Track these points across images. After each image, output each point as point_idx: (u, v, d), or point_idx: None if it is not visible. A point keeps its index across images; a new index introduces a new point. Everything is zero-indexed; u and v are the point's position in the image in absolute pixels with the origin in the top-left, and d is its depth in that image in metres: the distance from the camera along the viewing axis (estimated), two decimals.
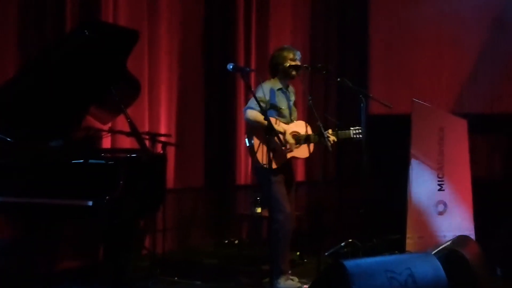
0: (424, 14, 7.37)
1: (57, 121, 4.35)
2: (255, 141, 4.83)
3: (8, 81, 4.33)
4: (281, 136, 4.79)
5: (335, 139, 4.97)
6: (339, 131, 5.00)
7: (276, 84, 4.99)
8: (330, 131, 4.97)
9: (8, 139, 4.18)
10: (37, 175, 4.04)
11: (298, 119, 5.15)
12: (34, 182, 4.02)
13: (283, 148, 4.82)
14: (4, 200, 4.03)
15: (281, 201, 4.83)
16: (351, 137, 5.03)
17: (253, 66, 6.91)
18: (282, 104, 4.97)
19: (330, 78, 5.28)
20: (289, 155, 4.94)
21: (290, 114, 5.04)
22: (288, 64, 4.93)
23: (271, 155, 4.48)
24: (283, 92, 5.01)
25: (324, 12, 7.74)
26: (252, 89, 4.72)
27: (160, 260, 5.63)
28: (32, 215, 4.21)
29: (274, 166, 4.76)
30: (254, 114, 4.67)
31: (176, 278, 5.22)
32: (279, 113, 4.96)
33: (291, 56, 4.98)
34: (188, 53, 6.55)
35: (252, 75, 6.54)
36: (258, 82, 4.87)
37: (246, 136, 4.98)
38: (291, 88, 5.14)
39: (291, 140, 4.87)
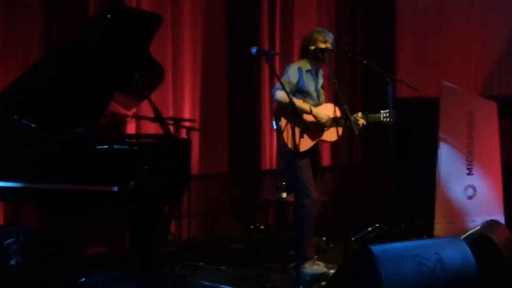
0: None
1: (82, 107, 4.34)
2: (282, 123, 4.78)
3: (32, 68, 4.33)
4: (308, 116, 4.74)
5: (365, 123, 4.91)
6: (369, 115, 4.94)
7: (305, 65, 4.94)
8: (359, 114, 4.92)
9: (33, 125, 4.19)
10: (63, 162, 4.04)
11: (325, 102, 5.10)
12: (59, 169, 4.03)
13: (318, 122, 4.77)
14: (29, 186, 4.05)
15: (307, 185, 4.80)
16: (381, 121, 4.95)
17: (277, 49, 6.85)
18: (310, 85, 4.92)
19: (357, 61, 5.20)
20: (318, 138, 4.89)
21: (318, 97, 4.99)
22: (313, 47, 4.87)
23: (298, 138, 4.43)
24: (311, 74, 4.95)
25: None
26: (277, 73, 4.66)
27: (186, 245, 5.64)
28: (58, 201, 4.21)
29: (301, 149, 4.74)
30: (283, 95, 4.61)
31: (202, 264, 5.22)
32: (307, 95, 4.90)
33: (321, 38, 4.91)
34: (211, 37, 6.52)
35: (277, 58, 6.48)
36: (283, 65, 4.81)
37: (273, 118, 4.93)
38: (320, 71, 5.08)
39: (323, 116, 4.81)
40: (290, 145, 4.65)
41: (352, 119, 4.71)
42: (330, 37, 4.96)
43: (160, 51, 5.67)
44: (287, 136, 4.73)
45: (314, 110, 4.84)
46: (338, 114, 4.91)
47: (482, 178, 5.73)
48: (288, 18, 7.03)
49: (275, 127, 4.90)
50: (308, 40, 4.96)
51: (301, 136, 4.75)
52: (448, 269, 3.66)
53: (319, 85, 5.04)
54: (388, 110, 4.90)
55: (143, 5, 5.80)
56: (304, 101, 4.86)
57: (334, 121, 4.88)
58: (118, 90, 4.58)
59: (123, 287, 4.68)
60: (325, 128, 4.89)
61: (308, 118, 4.77)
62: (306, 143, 4.82)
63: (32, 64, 4.33)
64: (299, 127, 4.51)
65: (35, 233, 4.74)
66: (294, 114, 4.31)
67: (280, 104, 4.79)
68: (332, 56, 5.20)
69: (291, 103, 4.24)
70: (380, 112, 4.94)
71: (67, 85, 4.34)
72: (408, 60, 7.52)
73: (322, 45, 4.89)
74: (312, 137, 4.86)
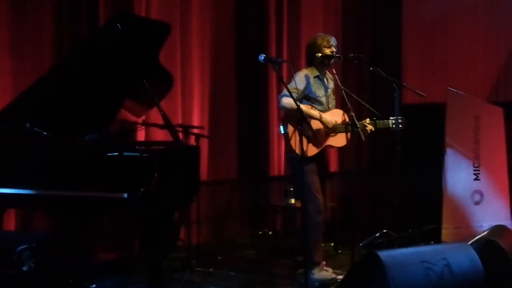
0: (458, 2, 7.27)
1: (92, 115, 4.39)
2: (290, 129, 4.80)
3: (43, 76, 4.39)
4: (316, 122, 4.76)
5: (373, 129, 4.90)
6: (377, 121, 4.93)
7: (313, 71, 4.95)
8: (367, 120, 4.91)
9: (45, 133, 4.24)
10: (73, 168, 4.08)
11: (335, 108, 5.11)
12: (70, 175, 4.06)
13: (325, 129, 4.80)
14: (41, 193, 4.09)
15: (313, 192, 4.80)
16: (390, 127, 4.96)
17: (285, 57, 6.89)
18: (319, 91, 4.92)
19: (363, 67, 5.22)
20: (326, 143, 4.90)
21: (328, 102, 4.99)
22: (320, 54, 4.89)
23: (306, 143, 4.45)
24: (320, 80, 4.96)
25: (356, 1, 7.68)
26: (284, 80, 4.68)
27: (195, 251, 5.67)
28: (68, 208, 4.25)
29: (308, 154, 4.75)
30: (289, 101, 4.61)
31: (211, 270, 5.24)
32: (316, 101, 4.91)
33: (325, 43, 4.92)
34: (220, 45, 6.56)
35: (284, 66, 6.52)
36: (290, 73, 4.83)
37: (281, 123, 4.95)
38: (329, 76, 5.09)
39: (331, 121, 4.84)
40: (297, 151, 4.67)
41: (360, 126, 4.71)
42: (333, 40, 4.96)
43: (169, 58, 5.72)
44: (294, 142, 4.75)
45: (322, 116, 4.86)
46: (347, 120, 4.92)
47: (489, 184, 5.72)
48: (295, 25, 7.07)
49: (282, 131, 4.92)
50: (313, 47, 4.96)
51: (308, 142, 4.77)
52: (455, 275, 3.66)
53: (329, 90, 5.04)
54: (398, 117, 4.91)
55: (153, 13, 5.85)
56: (312, 107, 4.89)
57: (343, 127, 4.90)
58: (128, 97, 4.63)
59: None
60: (332, 134, 4.90)
61: (315, 124, 4.79)
62: (313, 149, 4.83)
63: (43, 73, 4.39)
64: (305, 134, 4.52)
65: (46, 239, 4.80)
66: (301, 121, 4.34)
67: (286, 110, 4.81)
68: (338, 63, 5.23)
69: (298, 109, 4.26)
70: (389, 119, 4.94)
71: (77, 92, 4.39)
72: (414, 66, 7.53)
73: (328, 51, 4.90)
74: (319, 143, 4.88)
